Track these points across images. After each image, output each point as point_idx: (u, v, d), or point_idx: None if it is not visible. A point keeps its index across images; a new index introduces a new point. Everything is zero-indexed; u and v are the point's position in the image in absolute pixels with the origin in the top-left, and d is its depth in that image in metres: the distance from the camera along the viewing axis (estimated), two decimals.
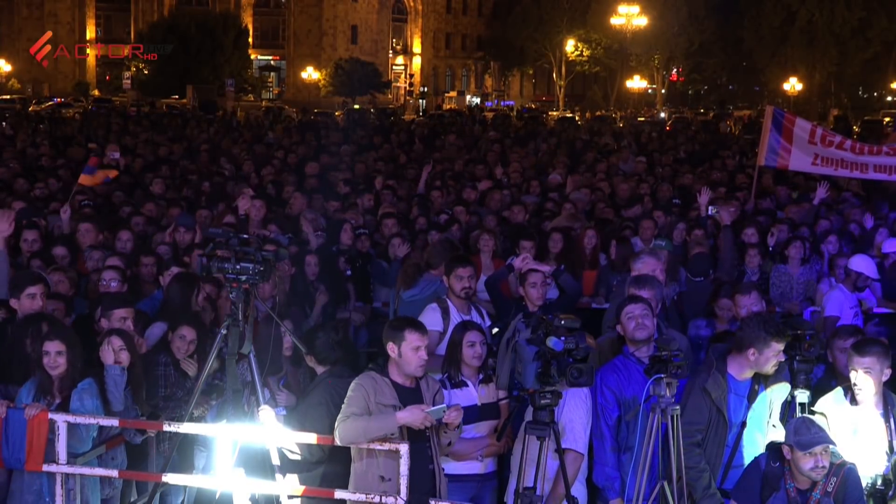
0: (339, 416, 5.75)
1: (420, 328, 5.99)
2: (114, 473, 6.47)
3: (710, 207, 11.10)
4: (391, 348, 5.90)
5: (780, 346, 5.97)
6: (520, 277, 7.92)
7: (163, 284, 8.13)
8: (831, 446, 5.45)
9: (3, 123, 27.57)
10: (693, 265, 9.10)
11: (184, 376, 6.90)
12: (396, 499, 5.68)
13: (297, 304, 9.05)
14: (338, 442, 5.75)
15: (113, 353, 6.34)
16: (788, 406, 6.14)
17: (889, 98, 79.90)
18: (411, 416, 5.67)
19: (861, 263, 9.20)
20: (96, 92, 74.22)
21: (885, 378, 5.83)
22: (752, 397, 6.09)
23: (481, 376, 6.57)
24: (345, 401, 5.79)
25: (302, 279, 9.36)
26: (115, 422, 6.29)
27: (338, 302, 9.72)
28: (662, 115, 64.80)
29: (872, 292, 9.84)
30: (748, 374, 6.08)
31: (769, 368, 6.00)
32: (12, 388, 6.50)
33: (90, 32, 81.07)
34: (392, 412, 5.73)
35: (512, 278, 8.34)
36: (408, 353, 5.86)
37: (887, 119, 53.68)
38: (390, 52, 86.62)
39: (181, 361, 6.92)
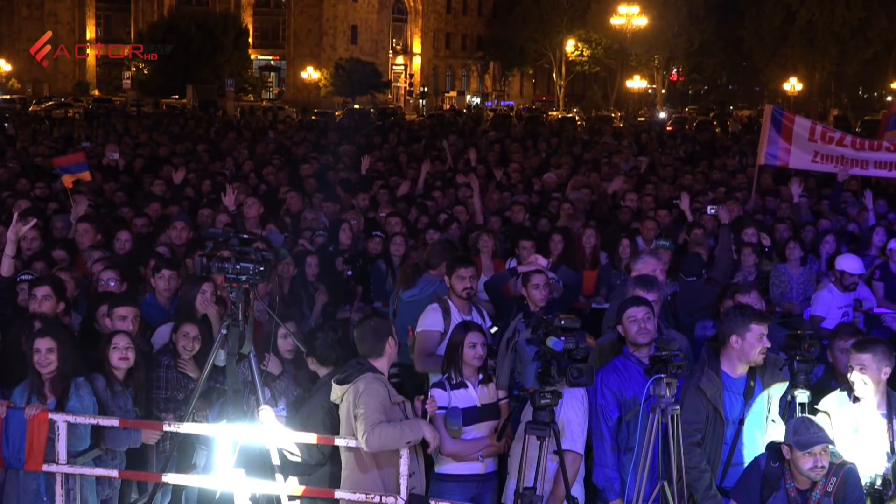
0: (366, 423, 5.64)
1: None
2: (114, 473, 6.47)
3: (710, 207, 11.10)
4: (391, 343, 6.05)
5: (762, 329, 5.95)
6: (523, 278, 7.94)
7: (154, 286, 8.12)
8: (831, 446, 5.45)
9: (7, 125, 27.48)
10: (686, 265, 9.10)
11: (185, 378, 6.91)
12: (396, 499, 5.68)
13: (297, 305, 9.05)
14: (369, 448, 5.68)
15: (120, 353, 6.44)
16: (789, 405, 6.13)
17: (889, 98, 79.81)
18: (432, 431, 5.86)
19: (843, 262, 9.19)
20: (96, 92, 74.24)
21: (884, 377, 5.83)
22: (748, 394, 6.09)
23: (481, 377, 6.57)
24: (361, 406, 5.69)
25: (302, 279, 9.36)
26: (115, 422, 6.29)
27: (337, 302, 9.71)
28: (662, 114, 64.70)
29: (874, 293, 9.84)
30: (741, 369, 6.08)
31: (756, 356, 5.97)
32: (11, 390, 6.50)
33: (90, 32, 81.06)
34: (418, 420, 5.86)
35: (512, 279, 8.36)
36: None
37: None
38: (390, 52, 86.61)
39: (179, 363, 6.93)
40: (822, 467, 5.42)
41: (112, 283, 8.00)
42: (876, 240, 10.97)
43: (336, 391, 5.93)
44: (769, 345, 6.01)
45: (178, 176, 13.95)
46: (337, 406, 5.95)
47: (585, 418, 6.19)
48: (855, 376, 5.80)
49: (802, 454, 5.40)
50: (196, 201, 13.04)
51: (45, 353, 6.28)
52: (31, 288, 7.33)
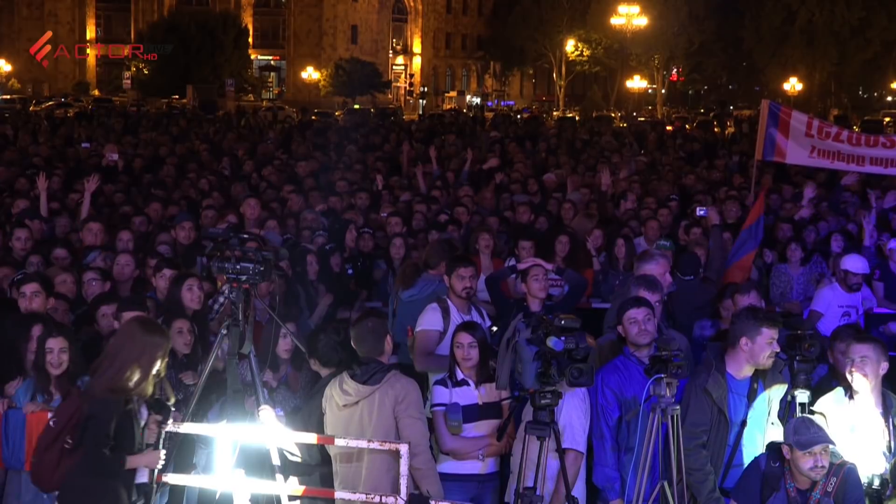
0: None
1: None
2: None
3: (699, 208, 11.12)
4: (389, 342, 6.11)
5: (773, 333, 5.95)
6: (521, 274, 7.94)
7: (155, 285, 8.12)
8: (831, 446, 5.45)
9: (8, 126, 27.38)
10: (683, 264, 9.10)
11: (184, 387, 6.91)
12: (396, 499, 5.67)
13: (296, 304, 9.04)
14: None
15: None
16: (788, 405, 6.13)
17: (889, 98, 79.88)
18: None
19: (847, 262, 9.20)
20: (96, 92, 74.23)
21: (882, 371, 5.83)
22: (751, 396, 6.08)
23: (481, 376, 6.57)
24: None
25: (302, 278, 9.35)
26: None
27: (337, 302, 9.70)
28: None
29: (874, 292, 9.83)
30: (746, 371, 6.07)
31: (764, 360, 5.97)
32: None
33: (90, 32, 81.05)
34: None
35: (512, 278, 8.35)
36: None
37: (887, 119, 53.70)
38: (390, 52, 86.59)
39: (181, 376, 6.92)
40: (822, 467, 5.41)
41: (94, 283, 7.99)
42: (867, 240, 10.96)
43: (358, 391, 5.91)
44: (778, 349, 6.01)
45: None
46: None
47: (587, 417, 6.20)
48: (856, 368, 5.79)
49: (802, 454, 5.40)
50: (196, 201, 13.02)
51: (58, 353, 6.31)
52: (20, 286, 7.31)
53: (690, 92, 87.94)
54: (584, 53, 79.90)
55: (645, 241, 10.91)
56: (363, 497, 5.74)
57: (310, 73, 78.19)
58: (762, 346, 5.95)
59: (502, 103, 77.64)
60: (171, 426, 6.16)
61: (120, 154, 16.97)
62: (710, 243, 10.70)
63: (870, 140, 13.66)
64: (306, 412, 6.23)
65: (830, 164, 13.65)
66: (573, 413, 6.15)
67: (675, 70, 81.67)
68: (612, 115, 62.53)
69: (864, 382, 5.80)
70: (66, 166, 16.88)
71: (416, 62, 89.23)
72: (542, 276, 7.78)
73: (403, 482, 5.68)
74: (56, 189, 13.60)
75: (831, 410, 5.91)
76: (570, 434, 6.10)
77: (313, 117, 44.42)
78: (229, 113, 46.54)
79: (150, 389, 5.72)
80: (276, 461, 5.97)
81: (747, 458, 5.98)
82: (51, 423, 5.60)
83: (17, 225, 9.69)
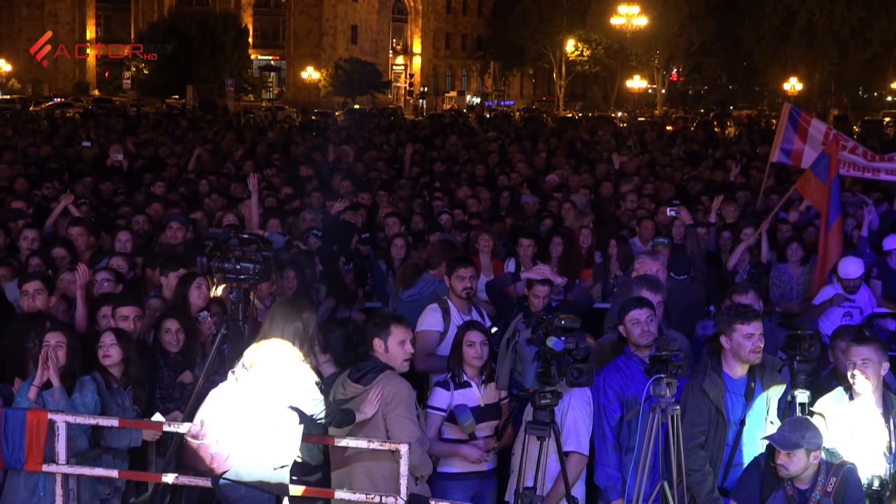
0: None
1: (404, 322, 6.14)
2: (114, 473, 6.45)
3: (669, 209, 11.12)
4: (378, 344, 6.01)
5: (748, 329, 5.94)
6: (527, 283, 7.94)
7: (164, 284, 8.11)
8: (830, 446, 5.45)
9: (8, 127, 27.33)
10: (676, 264, 9.12)
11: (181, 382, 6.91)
12: (396, 499, 5.67)
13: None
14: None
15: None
16: (789, 406, 6.13)
17: (889, 98, 79.87)
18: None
19: (840, 268, 9.22)
20: (96, 92, 74.24)
21: (883, 372, 5.84)
22: (749, 395, 6.09)
23: (483, 376, 6.57)
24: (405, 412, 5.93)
25: (302, 279, 9.34)
26: (115, 422, 6.28)
27: (337, 302, 9.69)
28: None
29: (872, 290, 9.83)
30: (740, 370, 6.08)
31: (747, 355, 5.97)
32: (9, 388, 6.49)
33: (90, 32, 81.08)
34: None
35: (513, 286, 8.36)
36: (394, 347, 6.00)
37: (887, 119, 53.67)
38: (390, 52, 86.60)
39: (179, 379, 6.91)
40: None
41: (106, 284, 7.99)
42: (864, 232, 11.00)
43: (350, 389, 5.93)
44: (762, 343, 6.00)
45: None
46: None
47: (591, 420, 6.21)
48: (858, 371, 5.78)
49: (778, 452, 5.43)
50: (194, 202, 13.01)
51: (55, 348, 6.29)
52: (21, 284, 7.31)
53: (690, 92, 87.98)
54: (584, 53, 79.92)
55: (640, 241, 10.90)
56: (363, 497, 5.75)
57: (310, 74, 78.17)
58: (740, 343, 5.97)
59: (502, 103, 77.61)
60: (171, 426, 6.17)
61: (124, 155, 16.98)
62: (712, 242, 10.74)
63: (885, 158, 13.80)
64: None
65: (844, 172, 13.71)
66: (578, 415, 6.16)
67: (675, 70, 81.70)
68: (613, 115, 62.50)
69: (866, 385, 5.80)
70: (67, 167, 16.87)
71: (416, 62, 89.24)
72: (544, 297, 7.78)
73: (403, 482, 5.69)
74: (59, 189, 13.59)
75: (831, 411, 5.91)
76: (574, 437, 6.12)
77: (313, 117, 44.41)
78: (234, 114, 46.51)
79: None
80: None
81: (747, 458, 5.98)
82: None
83: (27, 226, 9.70)
